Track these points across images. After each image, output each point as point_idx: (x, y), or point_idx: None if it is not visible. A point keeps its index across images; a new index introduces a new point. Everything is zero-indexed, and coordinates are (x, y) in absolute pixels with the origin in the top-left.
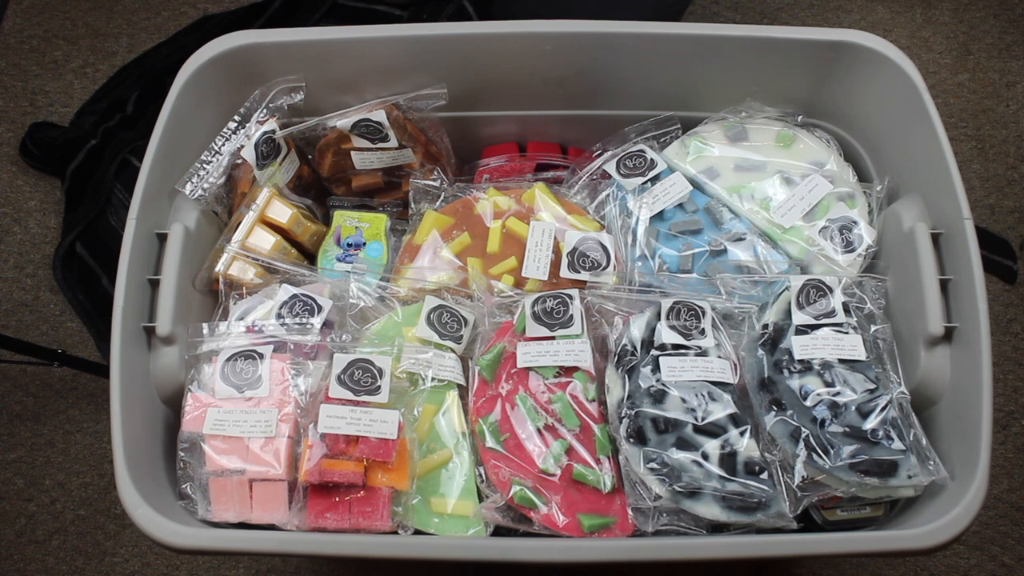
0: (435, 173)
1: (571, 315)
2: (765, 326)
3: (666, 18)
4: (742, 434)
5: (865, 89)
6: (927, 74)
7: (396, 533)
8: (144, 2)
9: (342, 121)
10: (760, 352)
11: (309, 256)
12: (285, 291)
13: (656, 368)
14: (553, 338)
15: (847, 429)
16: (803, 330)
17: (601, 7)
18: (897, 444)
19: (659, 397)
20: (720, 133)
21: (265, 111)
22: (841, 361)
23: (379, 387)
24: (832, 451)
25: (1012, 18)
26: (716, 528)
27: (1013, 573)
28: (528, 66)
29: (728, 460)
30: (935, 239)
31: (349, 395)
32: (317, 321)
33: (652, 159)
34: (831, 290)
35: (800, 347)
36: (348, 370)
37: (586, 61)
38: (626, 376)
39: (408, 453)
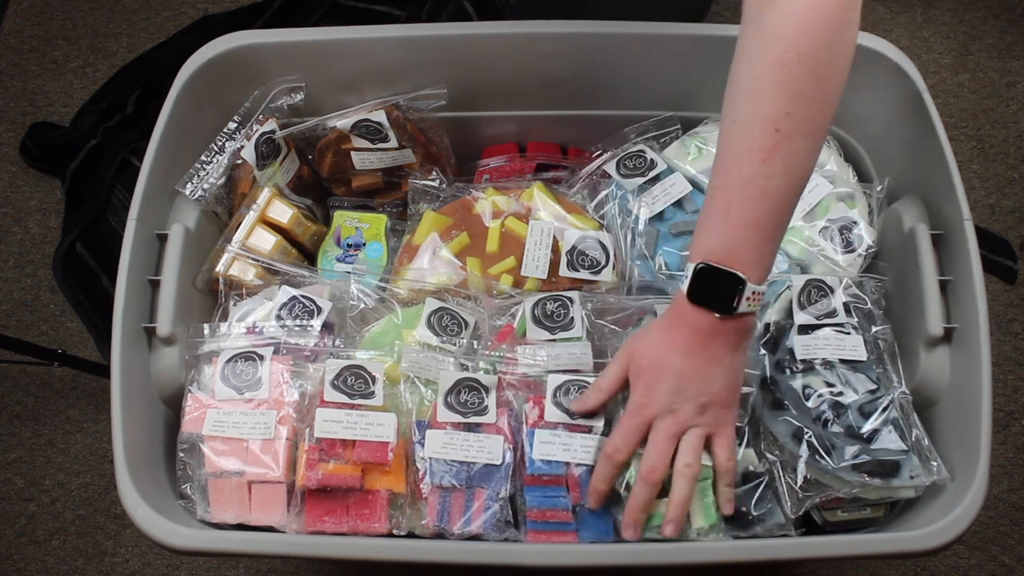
0: (434, 173)
1: (572, 317)
2: (767, 326)
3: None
4: (738, 444)
5: (865, 89)
6: (927, 74)
7: (394, 535)
8: (144, 2)
9: (342, 121)
10: (762, 351)
11: (310, 256)
12: (284, 292)
13: None
14: (554, 341)
15: (849, 429)
16: (804, 330)
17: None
18: (899, 444)
19: None
20: None
21: (265, 111)
22: (842, 361)
23: (373, 392)
24: (835, 451)
25: (1012, 18)
26: None
27: (1013, 573)
28: (528, 66)
29: None
30: (935, 240)
31: (344, 399)
32: (317, 323)
33: (652, 159)
34: (832, 290)
35: (802, 347)
36: (341, 375)
37: (586, 61)
38: None
39: (405, 455)
